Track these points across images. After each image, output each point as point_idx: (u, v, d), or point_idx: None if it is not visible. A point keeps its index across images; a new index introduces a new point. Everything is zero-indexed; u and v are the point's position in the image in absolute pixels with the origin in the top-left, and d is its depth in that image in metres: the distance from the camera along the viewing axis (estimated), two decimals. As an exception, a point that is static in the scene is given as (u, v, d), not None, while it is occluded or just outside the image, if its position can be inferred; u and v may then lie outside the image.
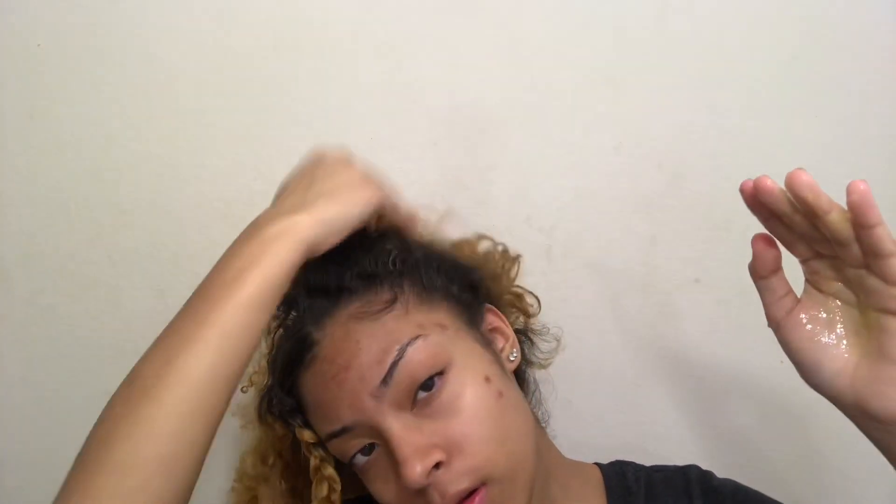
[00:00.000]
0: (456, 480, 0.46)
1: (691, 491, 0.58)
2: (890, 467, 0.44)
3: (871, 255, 0.39)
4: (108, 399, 0.43)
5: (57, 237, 0.71)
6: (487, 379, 0.50)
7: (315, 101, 0.72)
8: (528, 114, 0.73)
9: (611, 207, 0.73)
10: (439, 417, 0.47)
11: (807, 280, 0.45)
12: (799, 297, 0.45)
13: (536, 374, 0.76)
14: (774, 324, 0.46)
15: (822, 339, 0.43)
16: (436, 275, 0.54)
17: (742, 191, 0.44)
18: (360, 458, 0.50)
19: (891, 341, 0.40)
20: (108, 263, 0.72)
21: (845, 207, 0.40)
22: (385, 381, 0.47)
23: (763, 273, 0.46)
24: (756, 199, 0.43)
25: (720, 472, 0.61)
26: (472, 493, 0.46)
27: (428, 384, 0.48)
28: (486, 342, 0.54)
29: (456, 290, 0.55)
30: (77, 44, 0.70)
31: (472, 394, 0.48)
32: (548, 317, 0.74)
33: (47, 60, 0.70)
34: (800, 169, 0.40)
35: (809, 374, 0.44)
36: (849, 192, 0.39)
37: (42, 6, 0.69)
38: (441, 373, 0.48)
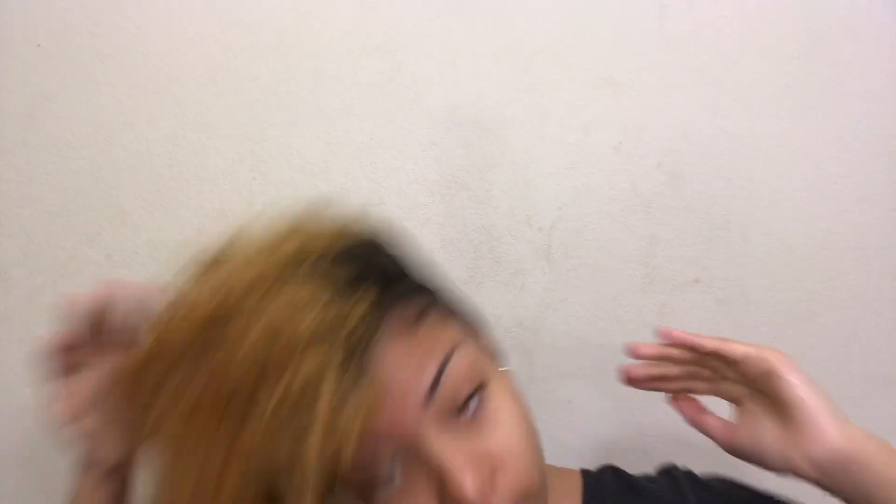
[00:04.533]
0: (501, 498, 0.42)
1: (684, 491, 0.57)
2: None
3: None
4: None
5: (57, 237, 0.71)
6: (514, 393, 0.47)
7: (315, 101, 0.72)
8: (528, 114, 0.73)
9: (611, 207, 0.73)
10: (480, 434, 0.43)
11: (730, 402, 0.55)
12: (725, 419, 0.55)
13: (537, 374, 0.76)
14: (732, 450, 0.54)
15: (760, 434, 0.52)
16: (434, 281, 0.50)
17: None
18: (383, 491, 0.43)
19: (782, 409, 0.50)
20: (108, 263, 0.72)
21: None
22: (430, 394, 0.42)
23: (695, 421, 0.56)
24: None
25: (721, 472, 0.61)
26: None
27: (469, 399, 0.44)
28: (493, 355, 0.51)
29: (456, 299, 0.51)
30: (77, 44, 0.70)
31: (510, 409, 0.45)
32: (548, 316, 0.74)
33: (47, 60, 0.70)
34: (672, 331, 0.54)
35: (777, 466, 0.50)
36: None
37: (42, 6, 0.69)
38: (480, 387, 0.45)
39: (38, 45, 0.70)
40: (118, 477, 0.53)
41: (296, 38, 0.71)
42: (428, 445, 0.42)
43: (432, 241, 0.73)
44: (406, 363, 0.42)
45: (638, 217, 0.73)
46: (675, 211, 0.73)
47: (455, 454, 0.41)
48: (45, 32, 0.70)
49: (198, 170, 0.71)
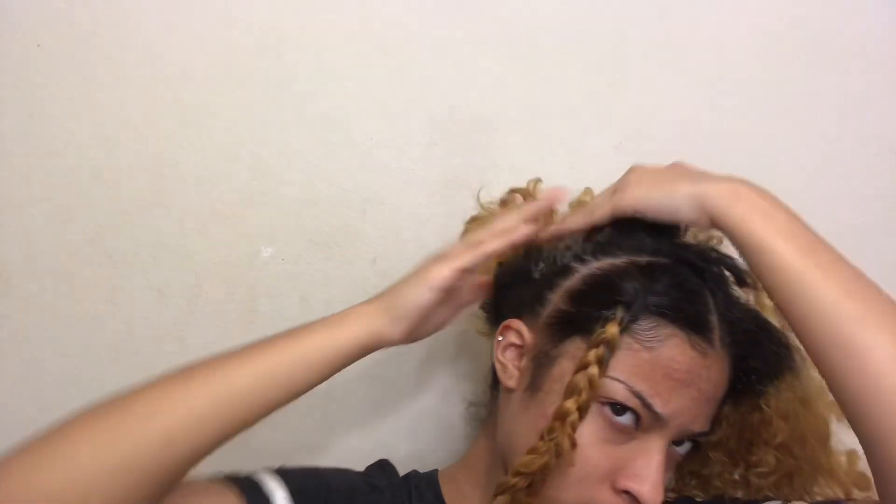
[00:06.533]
0: None
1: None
2: None
3: None
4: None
5: (57, 237, 0.71)
6: None
7: (315, 101, 0.72)
8: (528, 114, 0.73)
9: (611, 207, 0.73)
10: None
11: None
12: None
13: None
14: None
15: None
16: None
17: None
18: (614, 413, 0.49)
19: None
20: (108, 263, 0.72)
21: None
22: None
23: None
24: None
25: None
26: None
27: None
28: None
29: None
30: (77, 44, 0.70)
31: None
32: (548, 317, 0.74)
33: (47, 60, 0.70)
34: None
35: None
36: None
37: (42, 6, 0.69)
38: None
39: (38, 45, 0.70)
40: (367, 350, 0.52)
41: (296, 39, 0.71)
42: (663, 446, 0.50)
43: (432, 242, 0.73)
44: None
45: (638, 217, 0.73)
46: (675, 211, 0.73)
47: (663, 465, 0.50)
48: (45, 32, 0.70)
49: (198, 170, 0.71)
